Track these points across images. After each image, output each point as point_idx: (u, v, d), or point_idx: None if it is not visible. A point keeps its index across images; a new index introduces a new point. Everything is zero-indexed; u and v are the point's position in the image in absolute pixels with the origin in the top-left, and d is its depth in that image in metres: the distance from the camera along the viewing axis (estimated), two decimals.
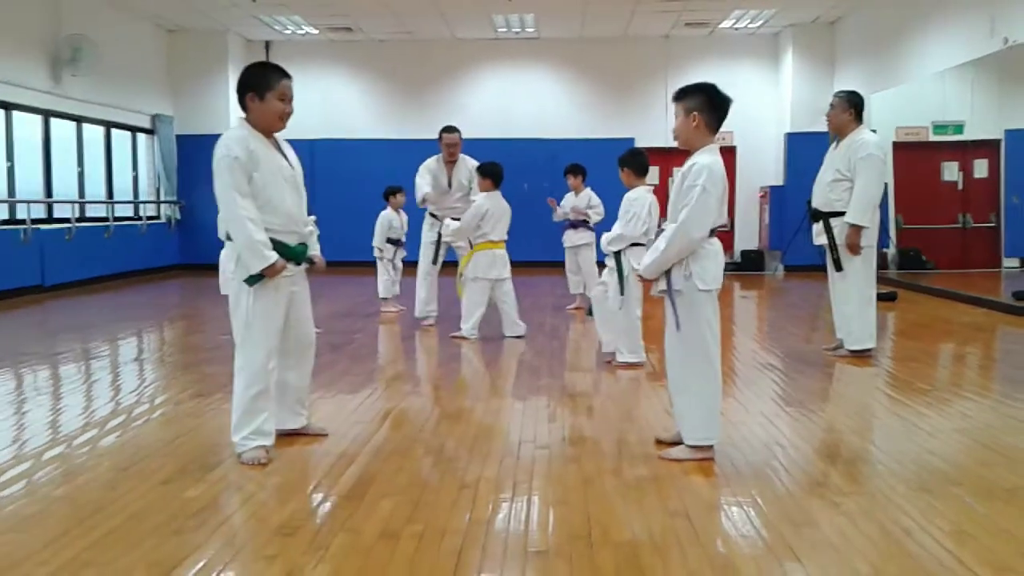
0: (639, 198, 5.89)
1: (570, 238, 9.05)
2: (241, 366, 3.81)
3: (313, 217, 4.18)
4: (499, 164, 7.30)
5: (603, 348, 6.19)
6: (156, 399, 5.16)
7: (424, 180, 7.81)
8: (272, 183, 3.77)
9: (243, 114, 3.86)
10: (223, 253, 3.86)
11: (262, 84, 3.79)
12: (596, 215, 8.94)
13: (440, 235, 7.90)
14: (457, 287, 7.41)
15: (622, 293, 5.84)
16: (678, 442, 3.85)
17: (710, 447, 3.76)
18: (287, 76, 3.88)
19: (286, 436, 4.10)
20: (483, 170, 7.29)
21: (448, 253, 8.17)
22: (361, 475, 3.59)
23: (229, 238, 3.77)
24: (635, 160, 6.02)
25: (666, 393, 4.13)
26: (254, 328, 3.78)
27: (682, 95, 3.78)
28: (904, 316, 8.72)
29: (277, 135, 3.95)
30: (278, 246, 3.77)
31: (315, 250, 4.11)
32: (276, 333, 3.87)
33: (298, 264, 3.94)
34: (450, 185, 7.86)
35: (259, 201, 3.74)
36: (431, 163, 7.93)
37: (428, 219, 8.08)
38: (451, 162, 7.85)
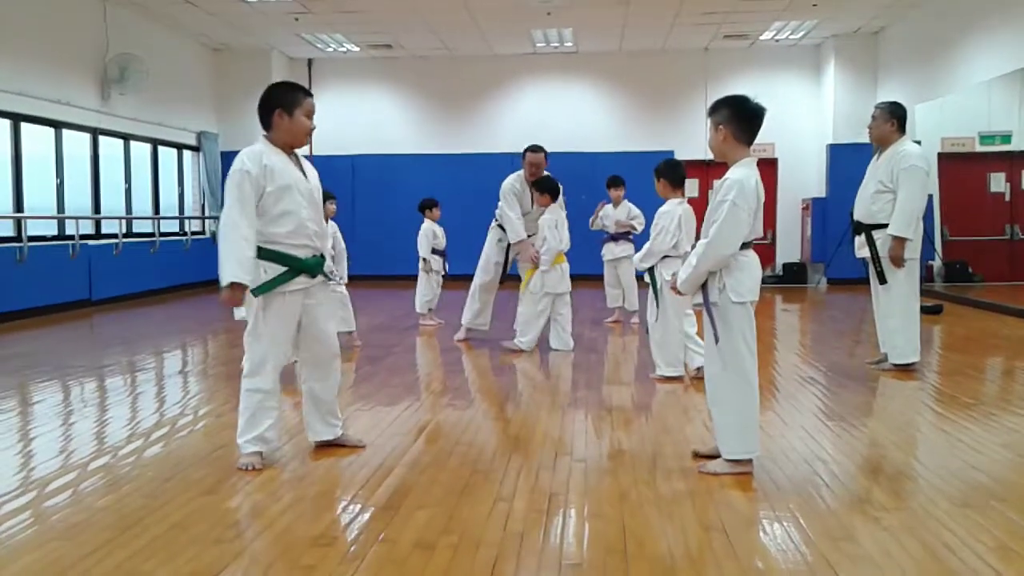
0: (668, 211, 5.87)
1: (611, 250, 9.05)
2: (246, 373, 3.91)
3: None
4: (554, 178, 7.30)
5: (656, 371, 6.06)
6: (199, 411, 5.25)
7: (515, 212, 7.42)
8: (287, 196, 3.85)
9: (264, 131, 3.97)
10: None
11: (291, 102, 3.90)
12: (639, 224, 8.93)
13: (508, 252, 7.69)
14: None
15: (657, 306, 5.82)
16: (716, 455, 3.82)
17: (748, 461, 3.73)
18: (311, 94, 4.01)
19: (323, 447, 4.17)
20: (541, 185, 7.23)
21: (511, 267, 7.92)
22: (397, 486, 3.62)
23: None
24: (672, 171, 5.98)
25: (704, 406, 4.10)
26: (261, 337, 3.87)
27: (713, 109, 3.78)
28: (950, 329, 8.56)
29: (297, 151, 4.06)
30: (288, 259, 3.85)
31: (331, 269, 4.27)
32: (283, 343, 3.95)
33: (312, 276, 3.97)
34: (532, 204, 7.52)
35: (273, 212, 3.82)
36: (515, 184, 7.55)
37: (499, 232, 7.76)
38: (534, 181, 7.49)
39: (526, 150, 7.63)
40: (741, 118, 3.69)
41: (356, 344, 7.56)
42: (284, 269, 3.84)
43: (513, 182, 7.57)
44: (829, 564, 2.76)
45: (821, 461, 3.95)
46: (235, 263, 3.69)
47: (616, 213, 9.00)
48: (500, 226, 7.72)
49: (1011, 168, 12.62)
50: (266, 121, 3.93)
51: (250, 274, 3.73)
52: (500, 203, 7.59)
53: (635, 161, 12.86)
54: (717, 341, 3.68)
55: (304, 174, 4.00)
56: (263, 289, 3.80)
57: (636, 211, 9.02)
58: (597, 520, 3.20)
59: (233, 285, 3.68)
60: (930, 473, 3.76)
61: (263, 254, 3.81)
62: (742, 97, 3.74)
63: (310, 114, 3.95)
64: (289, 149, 3.96)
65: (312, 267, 3.95)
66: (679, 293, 3.90)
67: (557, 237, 7.10)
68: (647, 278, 5.93)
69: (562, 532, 3.09)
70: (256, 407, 3.89)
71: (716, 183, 3.88)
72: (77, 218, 10.87)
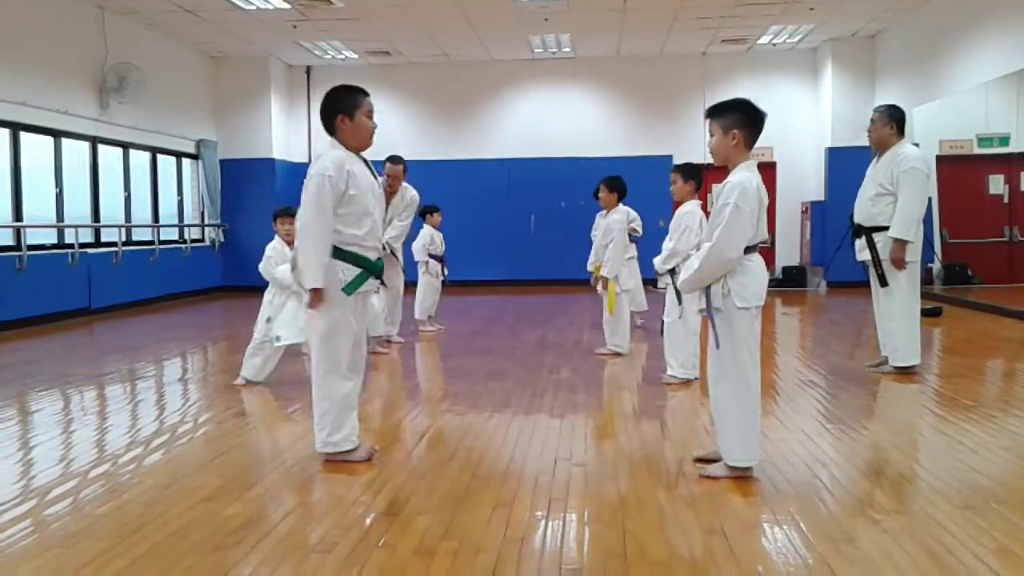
0: (691, 211, 5.85)
1: None
2: (324, 374, 3.96)
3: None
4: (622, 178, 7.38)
5: (667, 371, 6.09)
6: (199, 418, 5.25)
7: None
8: (365, 198, 3.94)
9: (331, 138, 4.03)
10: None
11: (351, 104, 3.99)
12: (639, 227, 8.93)
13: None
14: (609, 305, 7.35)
15: (680, 304, 5.81)
16: (716, 459, 3.82)
17: (749, 468, 3.72)
18: (367, 94, 4.09)
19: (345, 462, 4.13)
20: (611, 184, 7.28)
21: None
22: (397, 493, 3.61)
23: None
24: (698, 174, 5.97)
25: (705, 411, 4.09)
26: (338, 337, 3.95)
27: (718, 112, 3.73)
28: (950, 332, 8.56)
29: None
30: (363, 261, 3.95)
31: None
32: (361, 343, 4.07)
33: (378, 278, 4.10)
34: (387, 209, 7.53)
35: (355, 214, 3.91)
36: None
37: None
38: (392, 192, 7.63)
39: (386, 160, 7.70)
40: (752, 121, 3.67)
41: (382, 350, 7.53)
42: (360, 271, 3.93)
43: None
44: (829, 567, 2.76)
45: (821, 464, 3.95)
46: (319, 268, 3.80)
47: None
48: None
49: (1009, 170, 12.62)
50: (330, 127, 4.02)
51: (325, 278, 3.84)
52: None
53: (633, 166, 12.89)
54: (717, 347, 3.67)
55: (374, 176, 4.11)
56: (351, 288, 3.90)
57: (634, 214, 9.00)
58: (597, 525, 3.20)
59: (315, 290, 3.80)
60: (930, 476, 3.76)
61: (342, 255, 3.90)
62: (748, 100, 3.71)
63: (370, 114, 4.05)
64: (358, 151, 4.04)
65: (381, 268, 4.09)
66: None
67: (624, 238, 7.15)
68: (666, 280, 5.93)
69: (562, 537, 3.09)
70: (340, 407, 3.97)
71: (716, 187, 3.88)
72: (76, 227, 10.88)
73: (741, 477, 3.69)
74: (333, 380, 3.96)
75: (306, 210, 3.83)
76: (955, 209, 12.64)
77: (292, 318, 5.77)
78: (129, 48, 11.85)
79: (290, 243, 5.61)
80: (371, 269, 3.98)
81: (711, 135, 3.76)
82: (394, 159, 7.78)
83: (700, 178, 6.00)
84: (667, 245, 5.89)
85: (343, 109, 3.96)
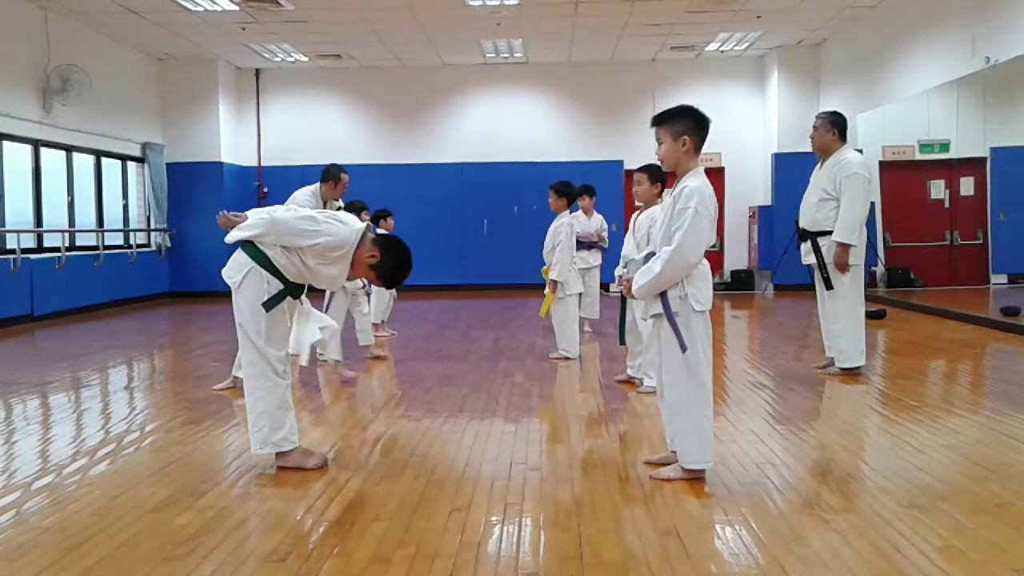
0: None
1: (585, 259, 8.71)
2: (261, 374, 3.96)
3: None
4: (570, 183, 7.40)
5: (627, 371, 6.10)
6: (146, 427, 5.14)
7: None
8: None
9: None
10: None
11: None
12: (605, 236, 8.99)
13: None
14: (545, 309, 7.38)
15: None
16: (669, 462, 3.85)
17: (703, 470, 3.76)
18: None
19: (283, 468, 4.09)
20: (559, 189, 7.28)
21: None
22: (352, 500, 3.58)
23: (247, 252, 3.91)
24: (661, 174, 5.77)
25: (657, 413, 4.13)
26: (272, 335, 3.97)
27: (667, 119, 3.74)
28: (893, 334, 8.75)
29: None
30: (284, 279, 3.94)
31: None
32: (287, 336, 4.09)
33: (295, 297, 4.09)
34: None
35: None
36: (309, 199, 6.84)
37: None
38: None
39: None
40: (701, 127, 3.71)
41: (347, 373, 7.02)
42: (282, 287, 3.92)
43: (309, 197, 6.89)
44: (781, 566, 2.80)
45: (771, 465, 4.01)
46: None
47: (591, 223, 8.92)
48: None
49: (950, 175, 12.97)
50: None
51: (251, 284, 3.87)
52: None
53: (585, 171, 12.99)
54: (684, 350, 3.65)
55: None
56: (270, 305, 3.89)
57: (605, 224, 9.08)
58: (553, 528, 3.21)
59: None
60: (877, 475, 3.84)
61: (272, 269, 3.89)
62: (693, 106, 3.74)
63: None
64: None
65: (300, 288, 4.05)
66: (633, 297, 3.88)
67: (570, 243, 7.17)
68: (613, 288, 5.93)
69: (518, 541, 3.09)
70: (276, 406, 3.97)
71: (667, 192, 3.92)
72: (18, 232, 10.61)
73: (693, 478, 3.73)
74: (267, 381, 3.91)
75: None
76: (897, 213, 12.95)
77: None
78: (73, 50, 11.60)
79: None
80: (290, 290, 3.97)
81: (659, 143, 3.77)
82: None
83: (666, 181, 5.91)
84: (630, 252, 5.61)
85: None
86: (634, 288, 3.78)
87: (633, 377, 6.04)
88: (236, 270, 3.89)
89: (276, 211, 3.99)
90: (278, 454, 4.01)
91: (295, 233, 3.82)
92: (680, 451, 3.77)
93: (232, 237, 3.92)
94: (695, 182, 3.65)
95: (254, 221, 3.89)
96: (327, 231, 3.81)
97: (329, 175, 6.69)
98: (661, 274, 3.63)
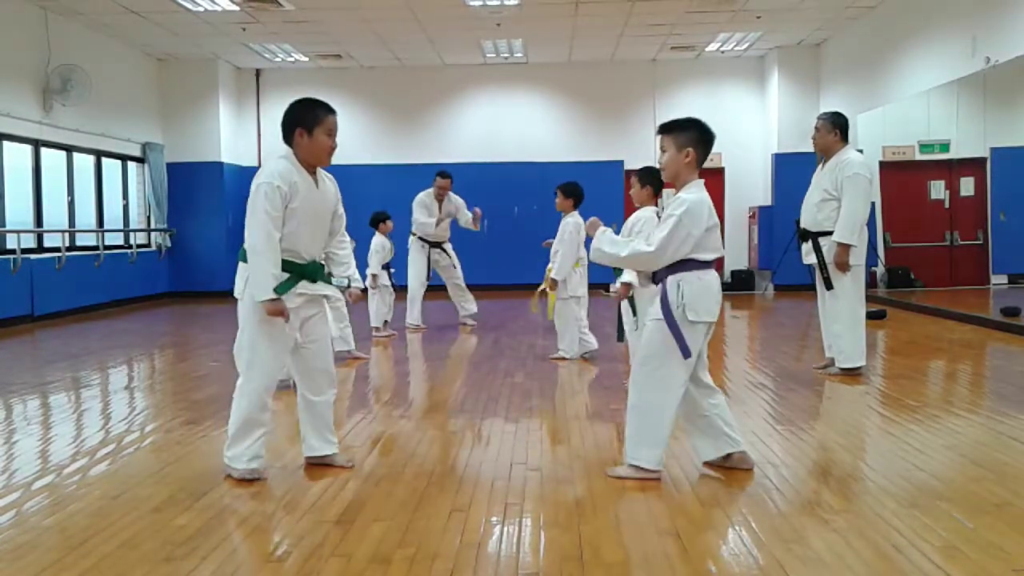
0: (650, 218, 5.71)
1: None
2: (241, 386, 3.88)
3: (350, 240, 4.26)
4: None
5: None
6: (146, 427, 5.15)
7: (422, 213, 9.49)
8: (301, 218, 3.81)
9: (286, 148, 3.90)
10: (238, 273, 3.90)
11: (310, 119, 3.83)
12: None
13: (430, 256, 9.57)
14: (534, 305, 7.45)
15: (635, 316, 5.76)
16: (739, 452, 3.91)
17: (657, 471, 3.76)
18: (333, 112, 3.92)
19: (317, 465, 4.07)
20: (566, 190, 7.26)
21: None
22: (352, 500, 3.59)
23: (244, 259, 3.81)
24: (652, 176, 5.80)
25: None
26: (258, 350, 3.83)
27: (673, 128, 3.76)
28: (894, 334, 8.75)
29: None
30: (291, 266, 3.82)
31: (350, 273, 4.23)
32: (280, 356, 3.92)
33: (313, 281, 3.94)
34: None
35: (290, 227, 3.78)
36: (424, 199, 9.56)
37: (420, 242, 9.65)
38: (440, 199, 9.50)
39: (437, 174, 9.65)
40: (705, 141, 3.74)
41: (360, 355, 7.51)
42: (288, 275, 3.81)
43: (423, 198, 9.53)
44: (781, 566, 2.80)
45: (771, 465, 4.01)
46: (270, 279, 3.69)
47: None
48: (420, 237, 9.61)
49: (950, 176, 12.97)
50: (288, 139, 3.88)
51: (272, 292, 3.73)
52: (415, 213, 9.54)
53: (585, 171, 12.96)
54: (687, 356, 3.67)
55: (326, 193, 4.01)
56: (283, 290, 3.77)
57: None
58: (553, 529, 3.21)
59: (268, 300, 3.70)
60: (877, 475, 3.84)
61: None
62: (700, 119, 3.76)
63: (331, 132, 3.88)
64: (312, 168, 3.90)
65: (313, 272, 3.93)
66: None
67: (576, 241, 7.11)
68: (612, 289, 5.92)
69: (518, 542, 3.10)
70: (248, 421, 3.91)
71: (666, 193, 3.93)
72: (18, 232, 10.61)
73: (646, 479, 3.72)
74: (243, 400, 3.87)
75: (255, 220, 3.71)
76: (898, 214, 12.96)
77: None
78: (73, 50, 11.59)
79: None
80: (301, 273, 3.87)
81: (663, 151, 3.80)
82: (443, 174, 9.69)
83: (659, 183, 5.94)
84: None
85: (303, 123, 3.82)
86: (591, 249, 3.85)
87: None
88: (238, 279, 3.88)
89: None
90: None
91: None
92: (629, 450, 3.81)
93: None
94: (691, 195, 3.68)
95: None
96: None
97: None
98: (620, 255, 3.75)
